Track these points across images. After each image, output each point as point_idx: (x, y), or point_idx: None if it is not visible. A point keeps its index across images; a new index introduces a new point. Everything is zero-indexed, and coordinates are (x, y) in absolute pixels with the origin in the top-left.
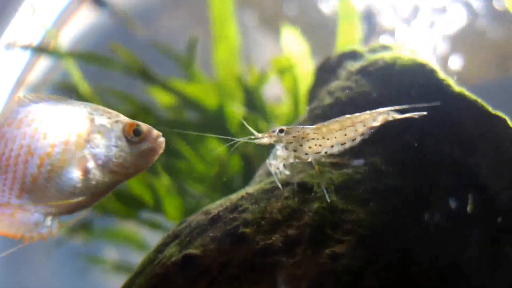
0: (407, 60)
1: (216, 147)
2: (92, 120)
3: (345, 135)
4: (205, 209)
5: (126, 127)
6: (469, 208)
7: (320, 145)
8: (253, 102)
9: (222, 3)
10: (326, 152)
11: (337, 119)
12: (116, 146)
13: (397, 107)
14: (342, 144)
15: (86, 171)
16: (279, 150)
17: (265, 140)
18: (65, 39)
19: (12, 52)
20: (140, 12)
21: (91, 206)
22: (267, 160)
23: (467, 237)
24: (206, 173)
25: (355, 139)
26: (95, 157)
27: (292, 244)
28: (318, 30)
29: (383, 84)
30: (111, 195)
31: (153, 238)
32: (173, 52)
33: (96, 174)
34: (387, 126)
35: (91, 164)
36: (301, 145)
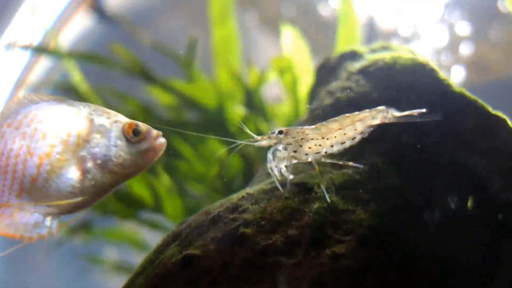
0: (407, 60)
1: (216, 148)
2: (91, 120)
3: (345, 134)
4: (206, 210)
5: (126, 127)
6: (469, 208)
7: (320, 145)
8: (253, 102)
9: (222, 3)
10: (326, 152)
11: (336, 118)
12: (115, 146)
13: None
14: (342, 144)
15: (85, 171)
16: (279, 151)
17: (264, 142)
18: (65, 39)
19: (12, 52)
20: (140, 13)
21: (91, 206)
22: (266, 161)
23: (467, 237)
24: (207, 173)
25: (354, 138)
26: (94, 157)
27: (293, 244)
28: (318, 30)
29: (383, 85)
30: (112, 195)
31: (154, 238)
32: (173, 52)
33: (96, 174)
34: (387, 126)
35: (90, 164)
36: (301, 146)
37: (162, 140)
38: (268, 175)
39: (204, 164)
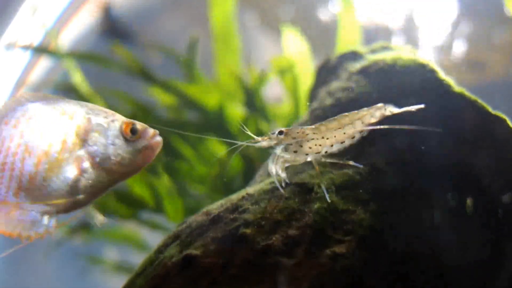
0: (407, 60)
1: (217, 148)
2: (89, 120)
3: (344, 133)
4: (206, 210)
5: (123, 125)
6: (469, 208)
7: (320, 145)
8: (254, 102)
9: (223, 4)
10: (326, 152)
11: (335, 117)
12: (113, 145)
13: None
14: (341, 143)
15: (83, 170)
16: (280, 152)
17: (264, 143)
18: (66, 39)
19: (13, 52)
20: (140, 13)
21: (88, 205)
22: (268, 162)
23: (467, 237)
24: (207, 174)
25: (354, 137)
26: (92, 156)
27: (293, 245)
28: (319, 30)
29: (384, 85)
30: (112, 196)
31: (154, 239)
32: (174, 52)
33: (93, 173)
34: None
35: (88, 163)
36: (301, 146)
37: (159, 138)
38: (268, 175)
39: (204, 164)
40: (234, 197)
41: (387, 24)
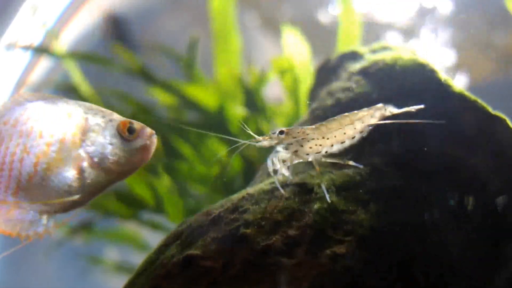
0: (407, 60)
1: (217, 148)
2: (86, 119)
3: (344, 133)
4: (206, 210)
5: (120, 125)
6: (469, 208)
7: (320, 145)
8: (254, 102)
9: (223, 4)
10: (326, 152)
11: (335, 117)
12: (111, 144)
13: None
14: (342, 143)
15: (81, 170)
16: (280, 152)
17: (265, 143)
18: (66, 39)
19: (13, 52)
20: (141, 13)
21: (87, 204)
22: (268, 161)
23: (467, 237)
24: (207, 174)
25: (354, 137)
26: (90, 155)
27: (293, 245)
28: (319, 30)
29: (384, 85)
30: (112, 196)
31: (154, 239)
32: (174, 52)
33: (92, 173)
34: (387, 126)
35: (86, 163)
36: (301, 146)
37: (155, 137)
38: (269, 175)
39: (204, 164)
40: (235, 197)
41: (386, 23)
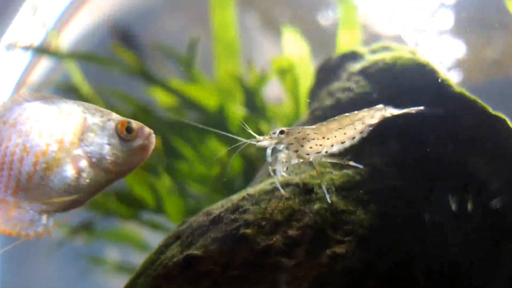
0: (407, 60)
1: (217, 148)
2: (85, 119)
3: (345, 133)
4: (207, 210)
5: (119, 125)
6: (469, 208)
7: (321, 145)
8: (254, 102)
9: (223, 4)
10: (326, 152)
11: (335, 118)
12: (109, 144)
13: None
14: (342, 143)
15: (80, 169)
16: (281, 152)
17: (266, 142)
18: (66, 39)
19: (13, 52)
20: (141, 13)
21: (86, 204)
22: (268, 161)
23: (467, 237)
24: (207, 174)
25: (354, 137)
26: (89, 155)
27: (293, 245)
28: (319, 30)
29: (384, 85)
30: (113, 196)
31: (155, 239)
32: (174, 52)
33: (90, 172)
34: (387, 127)
35: (85, 163)
36: (302, 146)
37: (153, 136)
38: (269, 175)
39: (204, 164)
40: (235, 197)
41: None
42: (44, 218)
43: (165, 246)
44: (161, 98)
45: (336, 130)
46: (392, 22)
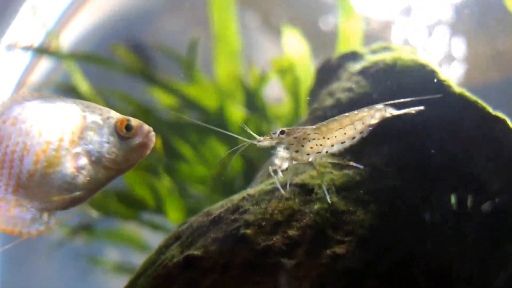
0: (407, 60)
1: (217, 148)
2: (84, 117)
3: (345, 133)
4: (207, 210)
5: (118, 123)
6: (469, 208)
7: (321, 145)
8: (254, 103)
9: (223, 4)
10: (327, 152)
11: (335, 118)
12: (108, 142)
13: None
14: (342, 143)
15: (80, 168)
16: (281, 152)
17: (266, 143)
18: (66, 40)
19: (13, 53)
20: (141, 13)
21: (86, 202)
22: (269, 162)
23: (467, 238)
24: (207, 174)
25: (354, 137)
26: (88, 153)
27: (293, 245)
28: (319, 30)
29: (384, 85)
30: (113, 196)
31: (155, 239)
32: (174, 53)
33: (90, 170)
34: (387, 127)
35: (84, 161)
36: (302, 146)
37: (153, 134)
38: (269, 175)
39: (205, 165)
40: (235, 197)
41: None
42: (45, 216)
43: (165, 247)
44: (161, 99)
45: (336, 130)
46: (392, 22)
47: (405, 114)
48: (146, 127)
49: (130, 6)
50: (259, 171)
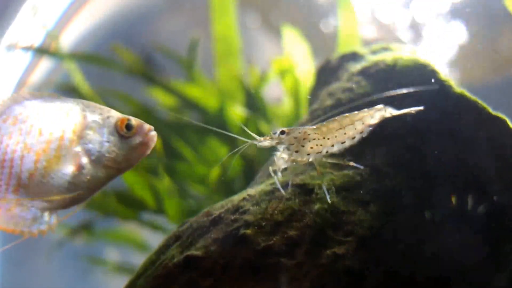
0: (408, 61)
1: (217, 148)
2: (84, 117)
3: (345, 133)
4: (207, 211)
5: (118, 122)
6: (469, 208)
7: (321, 145)
8: (254, 103)
9: (223, 5)
10: (327, 152)
11: (335, 118)
12: (108, 142)
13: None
14: (342, 143)
15: (80, 167)
16: (281, 152)
17: (266, 143)
18: (67, 40)
19: (14, 53)
20: (141, 13)
21: (86, 201)
22: (269, 163)
23: (467, 238)
24: (207, 175)
25: (354, 137)
26: (88, 152)
27: (293, 245)
28: (319, 30)
29: (384, 85)
30: (113, 196)
31: (155, 240)
32: (174, 53)
33: (90, 169)
34: (387, 127)
35: (84, 160)
36: (302, 146)
37: (153, 133)
38: (269, 175)
39: (205, 165)
40: (235, 198)
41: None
42: (46, 215)
43: (165, 247)
44: (161, 99)
45: (337, 130)
46: (393, 22)
47: (405, 114)
48: (147, 126)
49: (130, 6)
50: (259, 172)
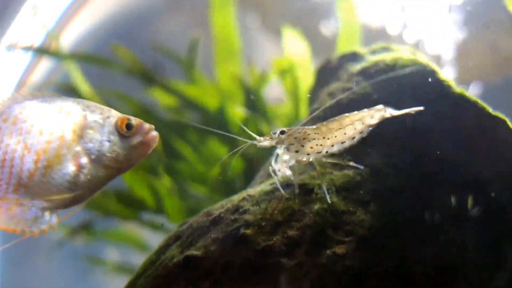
0: (407, 61)
1: (217, 148)
2: (84, 116)
3: (345, 133)
4: (207, 211)
5: (118, 121)
6: (469, 208)
7: (321, 145)
8: (254, 103)
9: (223, 5)
10: (327, 152)
11: (335, 118)
12: (108, 141)
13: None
14: (342, 143)
15: (80, 167)
16: (281, 152)
17: (266, 143)
18: (67, 40)
19: (14, 53)
20: (141, 13)
21: (86, 200)
22: (269, 163)
23: (468, 238)
24: (208, 174)
25: (354, 137)
26: (89, 152)
27: (293, 245)
28: (319, 31)
29: (384, 86)
30: (113, 196)
31: (155, 239)
32: (174, 53)
33: (90, 169)
34: (387, 127)
35: (85, 160)
36: (302, 146)
37: (154, 133)
38: (269, 175)
39: (205, 165)
40: (235, 198)
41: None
42: (47, 215)
43: (165, 247)
44: (161, 99)
45: (337, 130)
46: (393, 22)
47: (405, 114)
48: (147, 125)
49: (130, 6)
50: (259, 171)
